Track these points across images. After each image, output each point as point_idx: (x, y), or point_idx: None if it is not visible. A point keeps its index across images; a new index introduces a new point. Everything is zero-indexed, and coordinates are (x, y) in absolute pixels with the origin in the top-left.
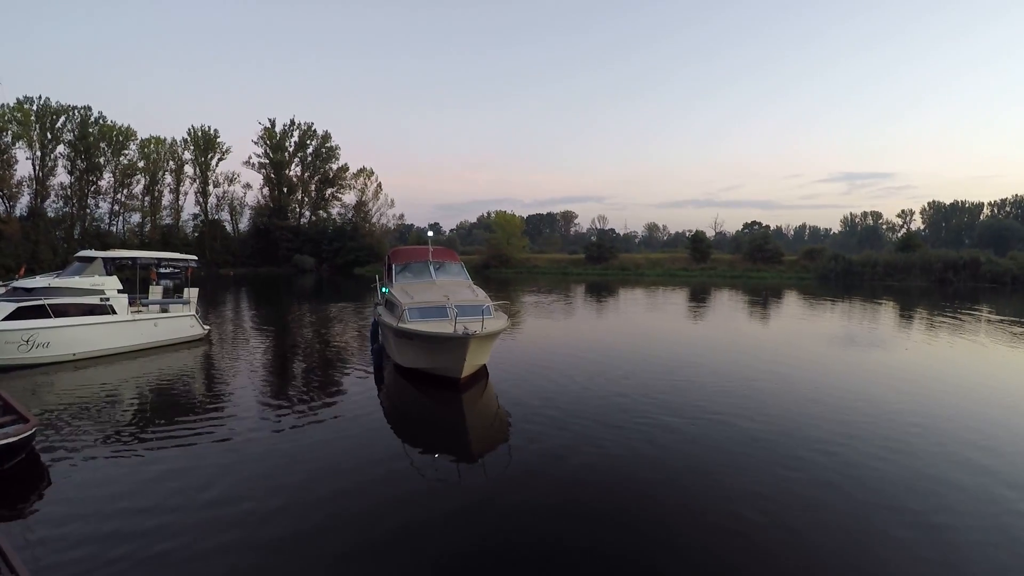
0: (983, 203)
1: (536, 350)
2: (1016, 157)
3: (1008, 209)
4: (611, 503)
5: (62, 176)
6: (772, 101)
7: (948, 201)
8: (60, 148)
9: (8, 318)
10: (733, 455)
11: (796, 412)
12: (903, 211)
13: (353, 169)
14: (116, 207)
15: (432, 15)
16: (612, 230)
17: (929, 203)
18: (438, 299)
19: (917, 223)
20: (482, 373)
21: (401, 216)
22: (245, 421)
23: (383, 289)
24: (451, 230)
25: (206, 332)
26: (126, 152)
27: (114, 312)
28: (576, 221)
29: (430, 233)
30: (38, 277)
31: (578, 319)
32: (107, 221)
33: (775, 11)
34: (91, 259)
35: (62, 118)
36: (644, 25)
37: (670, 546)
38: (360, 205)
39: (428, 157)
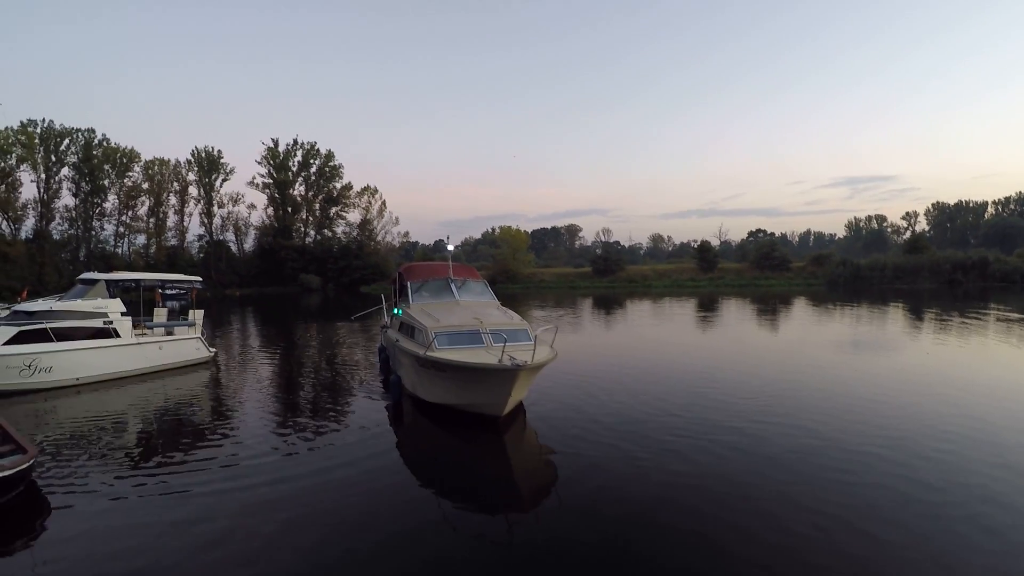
0: (987, 202)
1: (561, 370)
2: (1017, 154)
3: (1012, 207)
4: (678, 539)
5: (67, 198)
6: (771, 110)
7: (952, 201)
8: (64, 170)
9: (9, 342)
10: (789, 471)
11: (839, 419)
12: (907, 213)
13: (357, 187)
14: (121, 229)
15: (431, 34)
16: (617, 242)
17: (933, 204)
18: (468, 322)
19: (922, 225)
20: (519, 407)
21: (406, 234)
22: (254, 453)
23: (395, 311)
24: (456, 246)
25: (212, 355)
26: (130, 174)
27: (118, 335)
28: (581, 234)
29: (450, 247)
30: (40, 300)
31: (595, 335)
32: (112, 243)
33: (781, 40)
34: (93, 281)
35: (66, 140)
36: (645, 59)
37: None
38: (365, 223)
39: (431, 174)
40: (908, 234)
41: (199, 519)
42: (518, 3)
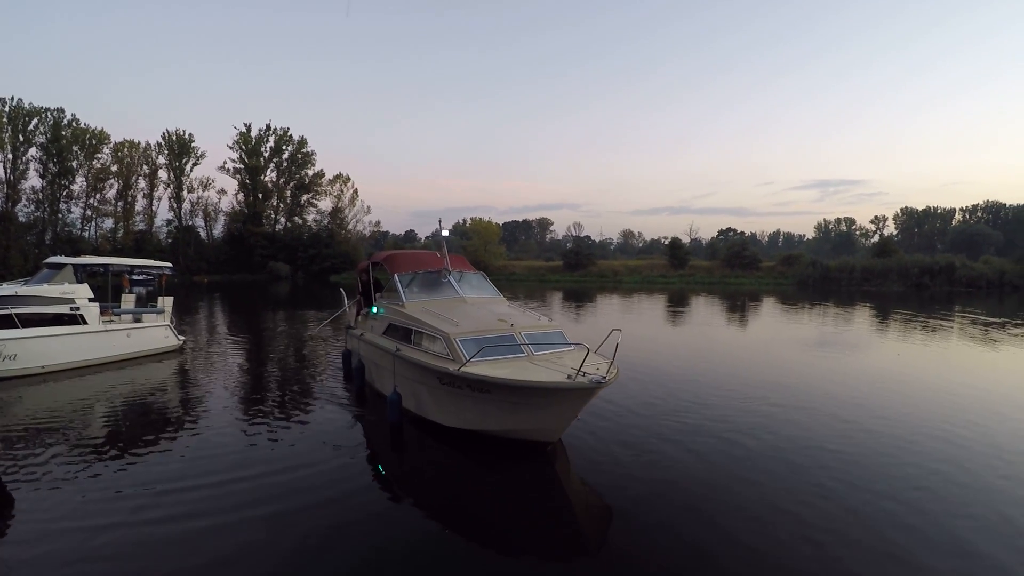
0: (955, 209)
1: None
2: (985, 163)
3: (979, 214)
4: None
5: (34, 179)
6: (743, 111)
7: (920, 207)
8: (32, 151)
9: None
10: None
11: (853, 426)
12: (876, 217)
13: (329, 175)
14: (88, 212)
15: (407, 24)
16: (588, 237)
17: (902, 209)
18: (493, 325)
19: (890, 229)
20: None
21: (377, 223)
22: (225, 444)
23: (373, 309)
24: (427, 236)
25: (181, 343)
26: (99, 156)
27: (85, 322)
28: (552, 228)
29: (445, 232)
30: (5, 285)
31: (581, 330)
32: (79, 226)
33: (754, 42)
34: (61, 266)
35: (35, 120)
36: (620, 56)
37: None
38: (336, 212)
39: (404, 164)
40: (876, 237)
41: (165, 515)
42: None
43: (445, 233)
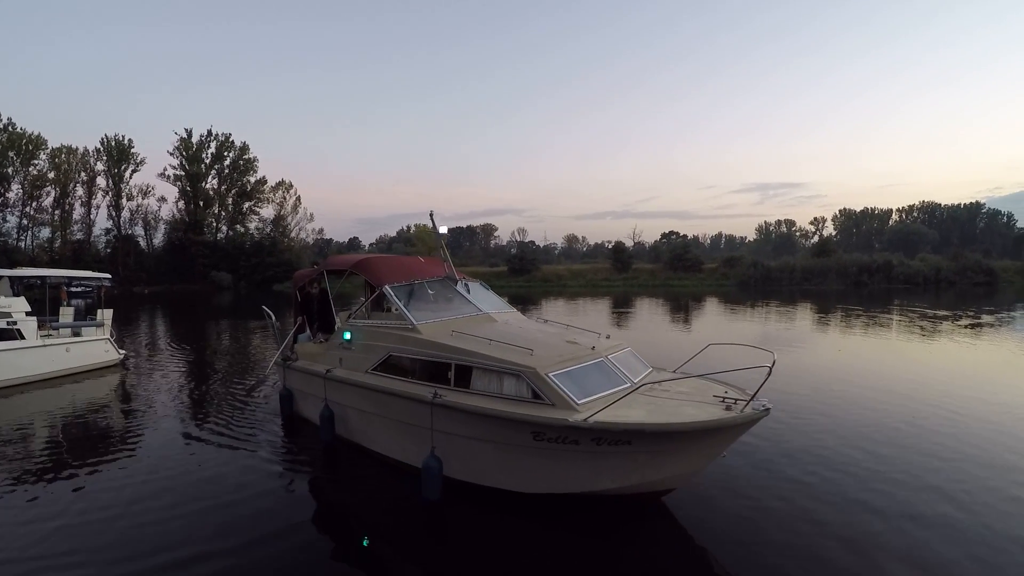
0: (891, 209)
1: None
2: (920, 166)
3: (916, 215)
4: None
5: None
6: (687, 116)
7: (858, 208)
8: None
9: None
10: None
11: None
12: (816, 219)
13: (271, 182)
14: (25, 221)
15: (349, 29)
16: (532, 242)
17: (840, 210)
18: (575, 351)
19: (829, 230)
20: None
21: (320, 231)
22: (168, 463)
23: (346, 335)
24: (371, 244)
25: (121, 357)
26: (36, 162)
27: (22, 337)
28: (496, 234)
29: (443, 230)
30: None
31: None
32: (15, 236)
33: (696, 36)
34: None
35: None
36: (570, 55)
37: None
38: (279, 219)
39: (347, 171)
40: (816, 238)
41: (110, 534)
42: (435, 5)
43: (443, 230)
